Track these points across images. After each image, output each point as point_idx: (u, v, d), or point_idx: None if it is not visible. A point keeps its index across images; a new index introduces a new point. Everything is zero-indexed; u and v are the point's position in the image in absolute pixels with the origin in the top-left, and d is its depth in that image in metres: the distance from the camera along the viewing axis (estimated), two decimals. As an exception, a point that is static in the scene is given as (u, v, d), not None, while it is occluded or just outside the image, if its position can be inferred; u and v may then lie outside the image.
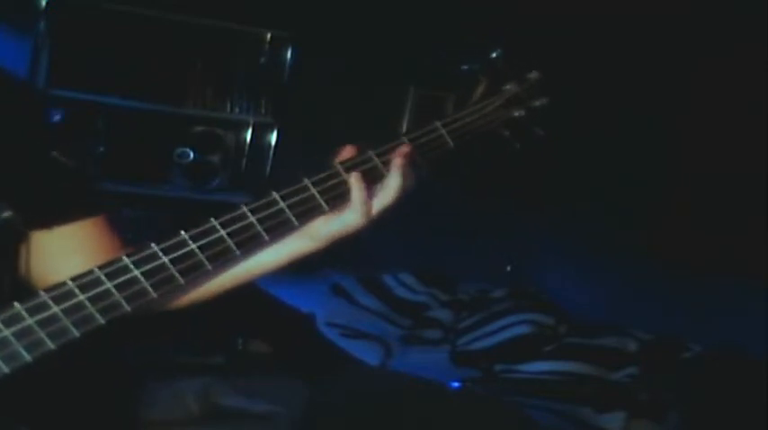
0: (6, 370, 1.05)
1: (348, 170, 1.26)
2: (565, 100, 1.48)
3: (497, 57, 1.43)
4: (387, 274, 4.31)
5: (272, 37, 4.02)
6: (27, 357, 1.06)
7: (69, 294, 1.07)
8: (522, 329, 3.81)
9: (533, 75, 1.45)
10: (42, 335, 1.06)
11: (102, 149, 3.68)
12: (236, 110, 3.98)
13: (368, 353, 3.60)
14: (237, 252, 1.19)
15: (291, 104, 4.03)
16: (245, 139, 4.08)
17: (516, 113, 1.42)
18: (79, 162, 1.26)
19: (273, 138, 4.03)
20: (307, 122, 4.08)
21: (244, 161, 4.08)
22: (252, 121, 4.06)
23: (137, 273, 1.11)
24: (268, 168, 4.02)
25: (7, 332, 1.04)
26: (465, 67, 1.44)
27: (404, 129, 4.39)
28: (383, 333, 3.82)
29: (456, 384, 3.38)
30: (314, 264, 4.17)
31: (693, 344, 3.57)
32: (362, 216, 1.26)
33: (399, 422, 2.85)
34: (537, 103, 1.44)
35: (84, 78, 3.59)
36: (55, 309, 1.06)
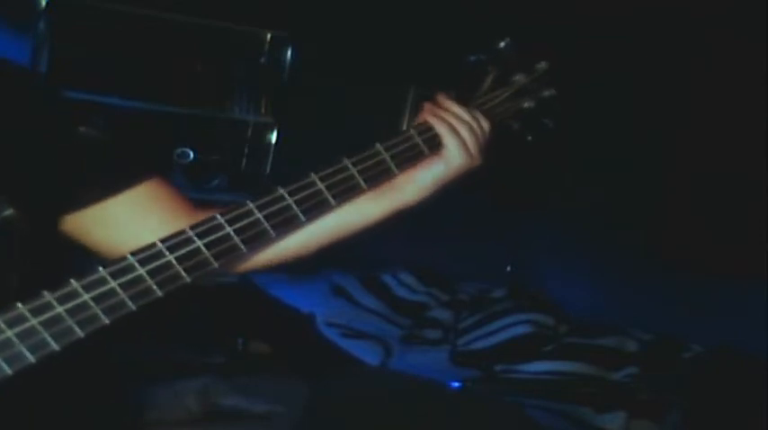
0: (9, 371, 1.05)
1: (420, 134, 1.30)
2: (565, 98, 1.48)
3: (506, 47, 1.41)
4: (387, 274, 4.31)
5: (272, 37, 4.02)
6: (31, 358, 1.05)
7: (74, 294, 1.07)
8: (522, 329, 3.81)
9: (542, 65, 1.43)
10: (46, 335, 1.05)
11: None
12: (236, 110, 3.98)
13: (368, 353, 3.60)
14: (303, 218, 1.20)
15: (291, 104, 4.03)
16: (246, 139, 4.08)
17: (526, 105, 1.41)
18: (108, 132, 1.27)
19: (273, 138, 4.03)
20: (307, 122, 4.08)
21: (244, 161, 4.08)
22: (252, 121, 4.06)
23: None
24: (268, 168, 4.02)
25: (10, 333, 1.04)
26: (472, 58, 1.43)
27: (404, 128, 4.40)
28: (383, 333, 3.82)
29: (456, 384, 3.38)
30: (314, 264, 4.18)
31: (693, 344, 3.57)
32: (463, 154, 1.30)
33: (399, 422, 2.85)
34: (546, 94, 1.43)
35: (84, 78, 3.58)
36: (59, 309, 1.06)
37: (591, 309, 4.00)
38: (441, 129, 1.30)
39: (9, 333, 1.03)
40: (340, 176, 1.23)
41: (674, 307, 3.80)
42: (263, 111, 4.03)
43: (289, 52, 3.98)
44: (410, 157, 1.29)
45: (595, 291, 4.10)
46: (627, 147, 3.98)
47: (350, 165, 1.24)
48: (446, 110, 1.32)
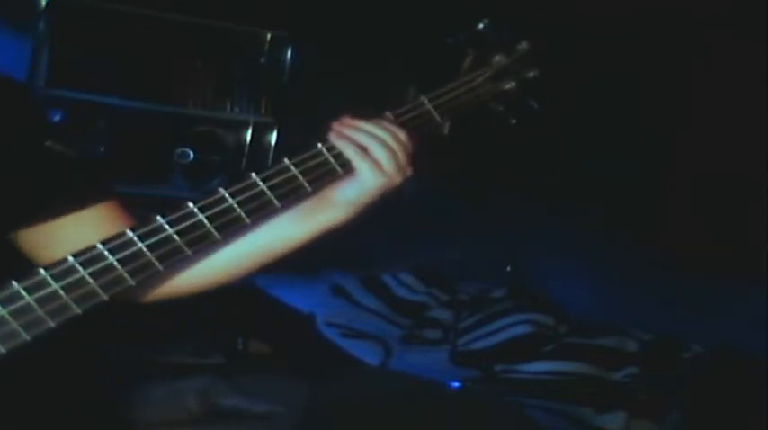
0: None
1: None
2: (564, 97, 1.46)
3: (485, 28, 1.39)
4: (387, 274, 4.31)
5: (272, 37, 4.02)
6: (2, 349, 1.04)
7: (43, 283, 1.06)
8: (522, 329, 3.81)
9: (523, 45, 1.40)
10: (16, 325, 1.04)
11: (102, 149, 3.68)
12: (236, 110, 3.98)
13: (368, 353, 3.60)
14: (248, 220, 1.17)
15: (291, 104, 4.03)
16: (245, 139, 4.08)
17: (507, 86, 1.38)
18: (76, 150, 1.26)
19: (273, 138, 4.03)
20: (307, 122, 4.08)
21: (244, 161, 4.08)
22: (252, 121, 4.06)
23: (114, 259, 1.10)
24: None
25: None
26: (450, 40, 1.40)
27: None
28: (383, 333, 3.82)
29: (456, 384, 3.38)
30: (314, 264, 4.18)
31: (693, 344, 3.57)
32: (377, 174, 1.23)
33: (399, 422, 2.85)
34: (529, 75, 1.40)
35: (84, 78, 3.58)
36: (26, 299, 1.05)
37: (591, 309, 3.99)
38: (348, 152, 1.24)
39: None
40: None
41: (674, 307, 3.79)
42: (263, 111, 4.03)
43: (289, 52, 3.98)
44: (322, 175, 1.24)
45: (595, 291, 4.10)
46: (627, 147, 3.98)
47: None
48: (355, 128, 1.26)
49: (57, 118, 3.47)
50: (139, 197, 3.70)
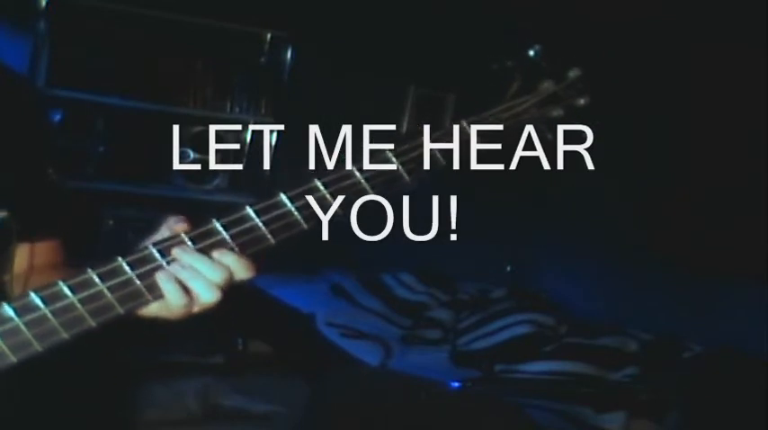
0: None
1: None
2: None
3: (536, 54, 1.35)
4: (387, 274, 4.31)
5: (272, 37, 4.02)
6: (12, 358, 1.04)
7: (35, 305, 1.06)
8: (522, 329, 3.81)
9: (573, 72, 1.38)
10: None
11: (102, 149, 3.68)
12: (236, 110, 3.98)
13: (368, 353, 3.59)
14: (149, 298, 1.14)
15: (291, 104, 4.03)
16: (245, 139, 4.08)
17: (555, 113, 1.35)
18: (60, 178, 1.26)
19: (273, 138, 4.03)
20: (307, 122, 4.08)
21: (244, 161, 4.08)
22: (252, 121, 4.06)
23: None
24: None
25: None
26: (495, 66, 1.35)
27: (404, 128, 4.40)
28: (383, 333, 3.81)
29: (456, 384, 3.38)
30: (314, 264, 4.18)
31: (693, 344, 3.57)
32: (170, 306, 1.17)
33: (399, 422, 2.85)
34: (579, 102, 1.37)
35: (84, 78, 3.59)
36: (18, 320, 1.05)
37: (591, 309, 3.99)
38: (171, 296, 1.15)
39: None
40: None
41: (674, 307, 3.80)
42: (263, 111, 4.03)
43: (289, 52, 3.98)
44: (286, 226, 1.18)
45: (595, 291, 4.10)
46: (627, 147, 3.98)
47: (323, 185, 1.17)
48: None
49: (57, 118, 3.47)
50: (139, 197, 3.73)
